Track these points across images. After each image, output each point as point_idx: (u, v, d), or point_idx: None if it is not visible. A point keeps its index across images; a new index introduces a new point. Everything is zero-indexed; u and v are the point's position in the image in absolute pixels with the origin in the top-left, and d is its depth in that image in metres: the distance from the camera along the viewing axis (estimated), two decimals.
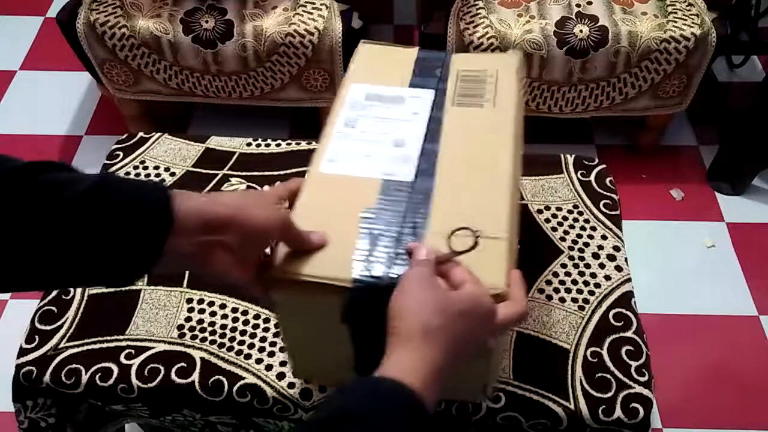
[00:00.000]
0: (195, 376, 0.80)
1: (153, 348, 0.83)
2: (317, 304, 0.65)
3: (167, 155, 1.04)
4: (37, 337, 0.84)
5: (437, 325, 0.54)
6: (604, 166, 1.03)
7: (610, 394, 0.80)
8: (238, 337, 0.83)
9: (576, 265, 0.91)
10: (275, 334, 0.83)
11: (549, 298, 0.88)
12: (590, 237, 0.94)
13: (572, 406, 0.79)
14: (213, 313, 0.86)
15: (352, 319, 0.64)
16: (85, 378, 0.81)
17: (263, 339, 0.83)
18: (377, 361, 0.53)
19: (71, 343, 0.83)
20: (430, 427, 0.50)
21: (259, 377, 0.80)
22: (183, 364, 0.81)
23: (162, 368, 0.81)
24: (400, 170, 0.72)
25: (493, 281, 0.61)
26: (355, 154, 0.74)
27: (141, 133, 1.07)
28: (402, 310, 0.55)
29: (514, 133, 0.76)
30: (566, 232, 0.95)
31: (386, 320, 0.57)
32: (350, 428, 0.46)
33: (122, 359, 0.82)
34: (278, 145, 1.05)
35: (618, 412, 0.78)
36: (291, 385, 0.80)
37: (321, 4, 1.40)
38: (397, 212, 0.68)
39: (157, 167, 1.02)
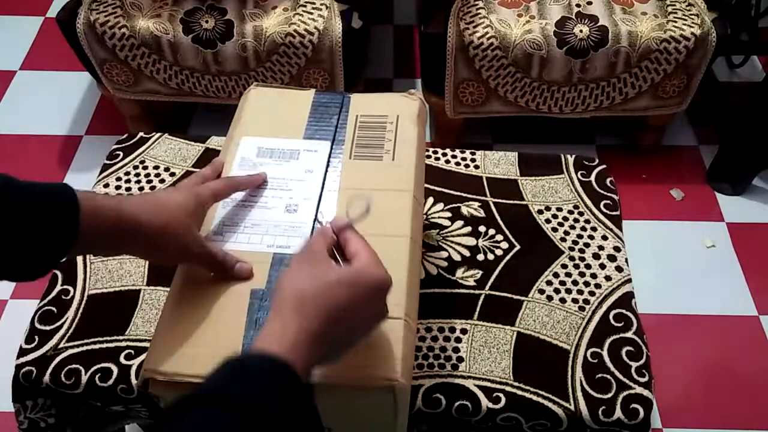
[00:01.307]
0: None
1: None
2: None
3: (167, 155, 1.04)
4: (36, 337, 0.84)
5: (312, 294, 0.52)
6: (604, 166, 1.04)
7: (610, 395, 0.80)
8: None
9: (576, 266, 0.91)
10: None
11: (549, 298, 0.88)
12: (591, 237, 0.94)
13: (572, 407, 0.79)
14: None
15: None
16: (84, 378, 0.81)
17: None
18: None
19: (71, 344, 0.83)
20: (295, 387, 0.48)
21: None
22: None
23: None
24: (292, 242, 0.69)
25: (386, 371, 0.59)
26: (244, 225, 0.70)
27: (141, 133, 1.07)
28: (280, 284, 0.55)
29: (414, 192, 0.73)
30: (567, 233, 0.95)
31: None
32: (207, 408, 0.44)
33: (122, 360, 0.82)
34: None
35: (618, 413, 0.78)
36: None
37: (321, 4, 1.40)
38: None
39: (157, 167, 1.02)
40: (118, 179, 1.00)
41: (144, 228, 0.59)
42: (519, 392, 0.80)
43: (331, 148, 0.78)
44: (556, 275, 0.90)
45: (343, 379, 0.60)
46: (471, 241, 0.93)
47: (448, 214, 0.96)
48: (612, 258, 0.92)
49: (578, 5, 1.40)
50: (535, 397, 0.79)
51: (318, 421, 0.50)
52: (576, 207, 0.98)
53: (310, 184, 0.74)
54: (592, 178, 1.02)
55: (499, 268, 0.91)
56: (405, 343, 0.62)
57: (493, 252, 0.92)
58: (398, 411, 0.63)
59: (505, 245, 0.93)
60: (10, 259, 0.53)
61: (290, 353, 0.49)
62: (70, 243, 0.54)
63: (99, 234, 0.56)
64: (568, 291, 0.89)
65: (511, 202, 0.98)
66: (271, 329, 0.51)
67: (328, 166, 0.76)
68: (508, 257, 0.92)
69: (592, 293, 0.88)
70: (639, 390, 0.80)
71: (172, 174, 1.01)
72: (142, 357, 0.81)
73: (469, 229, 0.95)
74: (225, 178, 0.72)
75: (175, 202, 0.63)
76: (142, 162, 1.03)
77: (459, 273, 0.90)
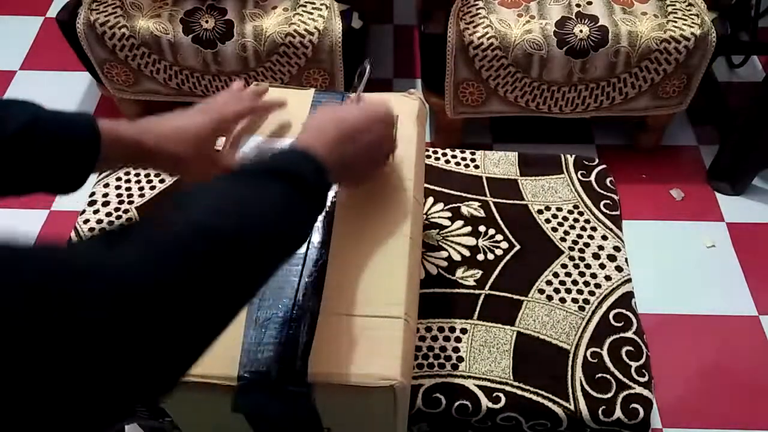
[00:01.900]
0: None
1: None
2: (205, 399, 0.63)
3: None
4: None
5: (328, 121, 0.63)
6: (604, 166, 1.03)
7: (610, 395, 0.80)
8: None
9: (576, 266, 0.91)
10: None
11: (549, 298, 0.88)
12: (590, 237, 0.94)
13: (572, 407, 0.79)
14: None
15: (244, 409, 0.62)
16: None
17: None
18: None
19: None
20: (316, 162, 0.57)
21: None
22: None
23: None
24: None
25: (386, 371, 0.60)
26: None
27: None
28: (304, 124, 0.64)
29: (414, 191, 0.73)
30: (566, 233, 0.95)
31: (280, 407, 0.59)
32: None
33: None
34: None
35: (618, 413, 0.78)
36: None
37: (321, 4, 1.40)
38: (288, 291, 0.65)
39: None
40: (118, 179, 1.00)
41: (162, 156, 0.65)
42: (519, 392, 0.80)
43: None
44: (555, 275, 0.90)
45: (343, 379, 0.60)
46: (471, 241, 0.93)
47: (448, 214, 0.96)
48: (612, 258, 0.92)
49: (578, 5, 1.40)
50: (534, 397, 0.79)
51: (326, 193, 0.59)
52: (576, 207, 0.97)
53: None
54: (592, 178, 1.02)
55: (499, 267, 0.91)
56: (405, 342, 0.62)
57: (493, 252, 0.92)
58: (398, 410, 0.63)
59: (505, 245, 0.93)
60: (44, 180, 0.60)
61: (317, 149, 0.58)
62: (91, 168, 0.61)
63: (120, 158, 0.63)
64: (568, 291, 0.89)
65: (511, 202, 0.98)
66: (292, 144, 0.59)
67: None
68: (508, 257, 0.92)
69: (591, 293, 0.88)
70: (639, 390, 0.80)
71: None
72: None
73: (469, 229, 0.95)
74: (249, 104, 0.75)
75: (193, 128, 0.67)
76: None
77: (459, 273, 0.90)
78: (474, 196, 0.98)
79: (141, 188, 0.99)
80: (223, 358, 0.61)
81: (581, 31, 1.35)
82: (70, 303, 0.35)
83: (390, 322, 0.63)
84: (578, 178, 1.01)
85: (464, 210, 0.97)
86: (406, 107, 0.81)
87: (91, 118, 0.61)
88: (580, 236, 0.94)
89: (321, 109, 0.66)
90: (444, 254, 0.92)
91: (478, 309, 0.86)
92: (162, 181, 1.00)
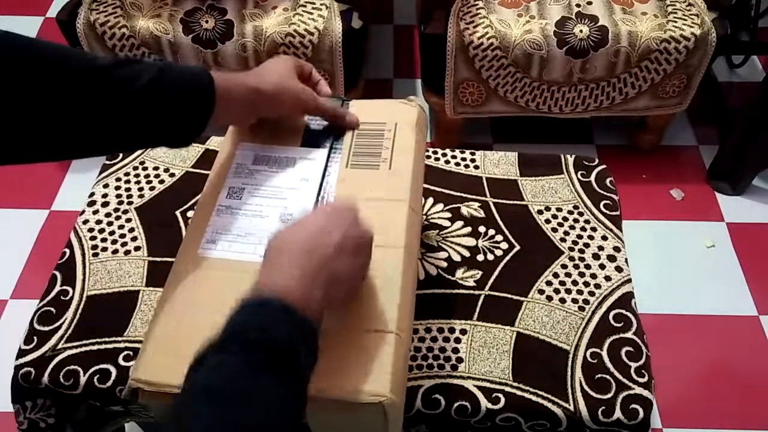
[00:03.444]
0: None
1: None
2: None
3: (167, 156, 1.04)
4: (35, 338, 0.84)
5: (285, 236, 0.58)
6: (604, 166, 1.03)
7: (609, 395, 0.80)
8: None
9: (576, 266, 0.91)
10: None
11: (549, 299, 0.88)
12: (590, 238, 0.94)
13: (572, 407, 0.79)
14: None
15: None
16: (83, 379, 0.81)
17: None
18: None
19: (70, 344, 0.83)
20: (294, 317, 0.52)
21: None
22: None
23: None
24: None
25: (376, 387, 0.59)
26: (237, 233, 0.70)
27: None
28: (272, 252, 0.59)
29: (410, 201, 0.72)
30: (566, 233, 0.95)
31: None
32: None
33: (120, 361, 0.82)
34: None
35: (618, 413, 0.78)
36: None
37: (321, 4, 1.40)
38: None
39: (156, 168, 1.02)
40: (118, 180, 1.00)
41: (264, 93, 0.72)
42: (518, 393, 0.79)
43: (328, 157, 0.77)
44: (555, 275, 0.90)
45: (332, 394, 0.59)
46: (471, 242, 0.93)
47: (448, 215, 0.96)
48: (612, 258, 0.92)
49: (578, 5, 1.40)
50: (534, 398, 0.79)
51: (316, 351, 0.55)
52: (576, 207, 0.97)
53: (306, 193, 0.74)
54: (592, 178, 1.02)
55: (499, 268, 0.90)
56: (396, 357, 0.61)
57: (492, 252, 0.92)
58: (389, 426, 0.62)
59: (504, 245, 0.93)
60: (166, 129, 0.66)
61: (284, 293, 0.53)
62: (208, 115, 0.67)
63: (232, 102, 0.69)
64: (568, 291, 0.88)
65: (511, 202, 0.98)
66: (269, 294, 0.54)
67: (324, 174, 0.76)
68: (507, 257, 0.92)
69: (591, 293, 0.88)
70: (638, 390, 0.80)
71: (172, 175, 1.01)
72: None
73: (468, 229, 0.95)
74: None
75: (284, 65, 0.75)
76: (141, 163, 1.03)
77: (459, 273, 0.90)
78: (474, 197, 0.98)
79: (141, 189, 0.99)
80: None
81: (581, 31, 1.35)
82: None
83: (381, 337, 0.62)
84: (578, 179, 1.01)
85: (464, 210, 0.97)
86: (405, 115, 0.80)
87: (206, 72, 0.67)
88: (580, 237, 0.94)
89: (286, 238, 0.59)
90: (444, 255, 0.92)
91: (477, 309, 0.86)
92: (162, 182, 1.00)
